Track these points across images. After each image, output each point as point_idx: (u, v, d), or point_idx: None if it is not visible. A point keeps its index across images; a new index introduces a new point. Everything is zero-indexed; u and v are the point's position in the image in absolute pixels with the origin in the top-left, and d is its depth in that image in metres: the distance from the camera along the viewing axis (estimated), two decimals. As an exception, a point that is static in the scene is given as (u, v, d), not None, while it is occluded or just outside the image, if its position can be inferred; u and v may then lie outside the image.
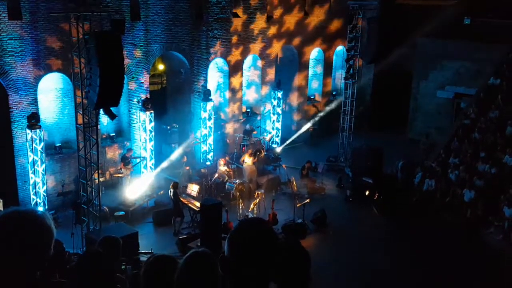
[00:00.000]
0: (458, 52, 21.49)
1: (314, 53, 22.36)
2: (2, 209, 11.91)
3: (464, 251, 12.87)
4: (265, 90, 20.44)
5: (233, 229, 2.06)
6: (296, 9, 20.63)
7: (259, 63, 20.00)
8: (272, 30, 19.88)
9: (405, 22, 21.54)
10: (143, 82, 16.31)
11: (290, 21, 20.49)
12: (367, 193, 16.13)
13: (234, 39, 18.59)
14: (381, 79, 23.37)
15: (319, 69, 22.93)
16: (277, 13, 19.94)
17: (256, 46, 19.47)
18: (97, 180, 12.84)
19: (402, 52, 21.69)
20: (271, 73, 20.45)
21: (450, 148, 17.86)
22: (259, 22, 19.31)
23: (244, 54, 19.15)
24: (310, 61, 22.42)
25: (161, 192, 15.42)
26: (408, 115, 23.46)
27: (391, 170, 17.35)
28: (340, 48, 22.97)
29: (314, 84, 23.10)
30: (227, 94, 19.19)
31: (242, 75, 19.58)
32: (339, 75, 23.52)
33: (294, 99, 22.09)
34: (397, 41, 21.16)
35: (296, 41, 21.04)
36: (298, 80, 21.90)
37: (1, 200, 12.42)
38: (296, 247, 2.82)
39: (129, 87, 15.71)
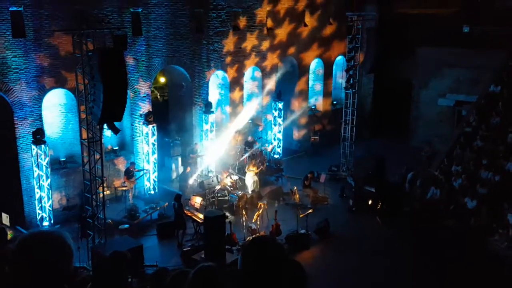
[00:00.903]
0: (458, 60, 21.63)
1: (314, 63, 22.56)
2: (8, 224, 12.06)
3: (469, 259, 12.86)
4: (266, 100, 20.60)
5: (247, 244, 2.25)
6: (296, 21, 20.87)
7: (259, 74, 20.20)
8: (272, 42, 20.11)
9: (405, 31, 21.76)
10: (145, 96, 16.51)
11: (290, 32, 20.72)
12: (370, 202, 16.19)
13: (235, 52, 18.81)
14: (382, 88, 23.54)
15: (319, 80, 23.11)
16: (276, 25, 20.18)
17: (256, 58, 19.68)
18: (101, 194, 12.97)
19: (402, 61, 21.91)
20: (271, 84, 20.63)
21: (452, 156, 17.93)
22: (259, 34, 19.55)
23: (245, 67, 19.37)
24: (310, 72, 22.61)
25: (165, 204, 15.53)
26: (409, 123, 23.58)
27: (394, 178, 17.42)
28: (339, 58, 23.16)
29: (315, 95, 23.27)
30: (228, 107, 19.38)
31: (242, 87, 19.77)
32: (339, 85, 23.69)
33: (295, 110, 22.26)
34: (397, 50, 21.39)
35: (296, 52, 21.24)
36: (298, 90, 22.07)
37: (8, 215, 12.56)
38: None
39: (132, 101, 15.89)
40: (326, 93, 23.39)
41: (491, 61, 20.07)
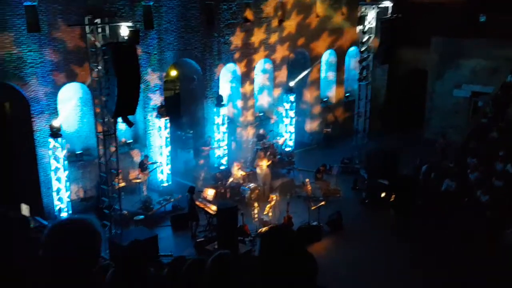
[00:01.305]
0: (474, 50, 21.33)
1: (326, 55, 22.46)
2: (29, 214, 12.39)
3: (484, 252, 12.75)
4: (277, 92, 20.60)
5: (265, 233, 2.39)
6: (308, 11, 20.77)
7: (270, 66, 20.19)
8: (284, 33, 20.06)
9: (419, 21, 21.52)
10: (157, 90, 16.67)
11: (302, 23, 20.64)
12: (383, 195, 16.16)
13: (245, 44, 18.83)
14: (396, 80, 23.36)
15: (332, 70, 23.02)
16: (288, 16, 20.12)
17: (267, 50, 19.66)
18: (117, 185, 13.23)
19: (417, 51, 21.69)
20: (283, 76, 20.61)
21: (467, 148, 17.76)
22: (271, 26, 19.52)
23: (255, 59, 19.37)
24: (323, 63, 22.52)
25: (179, 196, 15.74)
26: (424, 115, 23.38)
27: (408, 171, 17.34)
28: (352, 49, 23.02)
29: (327, 86, 23.20)
30: (239, 99, 19.45)
31: (253, 80, 19.81)
32: (352, 77, 23.57)
33: (307, 102, 22.23)
34: (411, 41, 21.18)
35: (308, 43, 21.17)
36: (310, 82, 22.03)
37: (28, 206, 12.89)
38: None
39: (144, 94, 16.07)
40: (339, 85, 23.29)
41: (509, 51, 19.77)
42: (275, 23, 19.63)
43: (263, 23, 19.25)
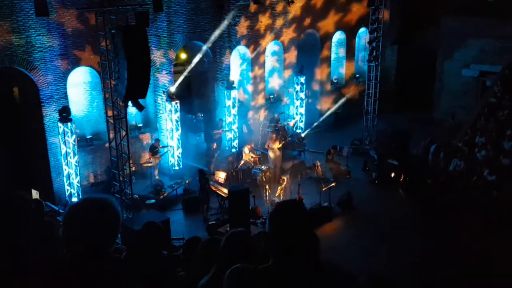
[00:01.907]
0: (482, 29, 21.09)
1: (337, 36, 22.25)
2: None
3: (492, 230, 12.81)
4: (287, 75, 20.48)
5: (273, 209, 2.37)
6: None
7: (281, 48, 20.03)
8: (293, 15, 19.85)
9: (429, 1, 21.24)
10: (167, 73, 16.59)
11: (312, 4, 20.41)
12: (392, 175, 16.17)
13: (256, 26, 18.67)
14: (405, 60, 23.16)
15: (342, 52, 22.83)
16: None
17: (278, 32, 19.50)
18: (128, 170, 13.24)
19: (426, 31, 21.46)
20: (292, 57, 20.45)
21: (476, 127, 17.69)
22: (280, 7, 19.31)
23: (266, 41, 19.23)
24: (333, 45, 22.33)
25: (189, 180, 15.77)
26: (433, 95, 23.22)
27: (417, 151, 17.30)
28: (362, 30, 22.79)
29: (337, 68, 23.03)
30: (250, 82, 19.35)
31: (264, 62, 19.67)
32: (362, 58, 23.37)
33: (317, 84, 22.10)
34: (421, 21, 20.94)
35: (318, 24, 20.96)
36: (320, 64, 21.87)
37: (38, 192, 12.94)
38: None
39: (154, 78, 16.01)
40: (349, 66, 23.13)
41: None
42: (283, 4, 19.40)
43: (272, 5, 19.03)
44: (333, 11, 21.28)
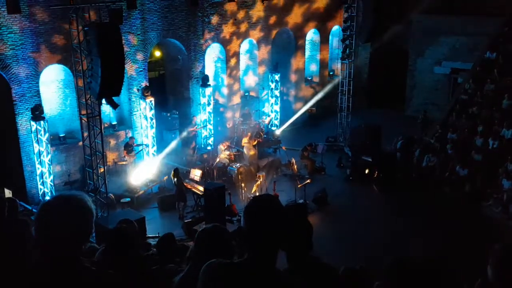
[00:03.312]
0: (454, 27, 21.58)
1: (310, 34, 22.45)
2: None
3: (464, 224, 13.18)
4: (262, 72, 20.56)
5: (248, 204, 2.38)
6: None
7: (255, 46, 20.10)
8: (267, 13, 19.95)
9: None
10: (141, 71, 16.49)
11: (285, 3, 20.53)
12: (366, 171, 16.44)
13: (230, 23, 18.70)
14: (378, 58, 23.53)
15: (316, 50, 23.04)
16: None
17: (251, 29, 19.56)
18: (102, 168, 13.14)
19: (398, 29, 21.81)
20: (266, 53, 20.53)
21: (447, 123, 18.12)
22: (254, 5, 19.38)
23: (240, 38, 19.28)
24: (306, 42, 22.52)
25: (165, 178, 15.73)
26: (405, 92, 23.65)
27: (390, 147, 17.63)
28: (335, 28, 23.04)
29: (311, 66, 23.24)
30: (225, 79, 19.38)
31: (238, 60, 19.72)
32: (335, 56, 23.63)
33: (292, 81, 22.26)
34: (392, 19, 21.27)
35: (292, 23, 21.11)
36: (295, 62, 22.03)
37: (10, 191, 12.74)
38: (301, 220, 3.24)
39: (128, 75, 15.90)
40: (323, 64, 23.35)
41: (487, 27, 20.04)
42: (258, 2, 19.47)
43: (247, 2, 19.08)
44: (305, 8, 21.42)
